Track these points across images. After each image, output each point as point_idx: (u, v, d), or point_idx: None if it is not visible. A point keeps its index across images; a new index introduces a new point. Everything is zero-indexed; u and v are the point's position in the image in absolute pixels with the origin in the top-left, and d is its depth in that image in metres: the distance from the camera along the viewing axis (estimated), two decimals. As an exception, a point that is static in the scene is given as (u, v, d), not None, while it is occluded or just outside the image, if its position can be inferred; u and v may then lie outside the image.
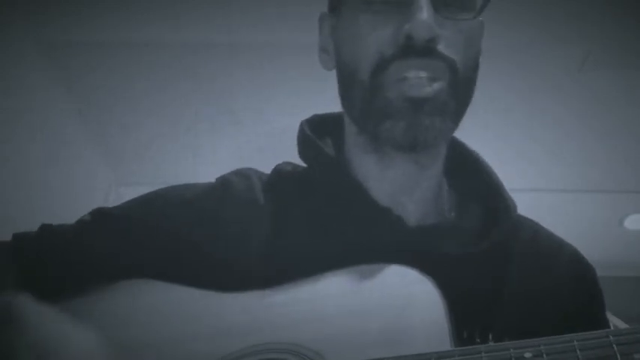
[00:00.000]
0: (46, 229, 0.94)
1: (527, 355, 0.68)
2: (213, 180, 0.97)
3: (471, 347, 0.71)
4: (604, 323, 0.92)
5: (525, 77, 2.63)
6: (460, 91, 0.86)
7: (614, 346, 0.66)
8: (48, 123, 2.68)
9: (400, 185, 0.89)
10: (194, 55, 2.54)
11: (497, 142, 2.90)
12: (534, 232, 0.96)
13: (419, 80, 0.84)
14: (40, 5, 2.30)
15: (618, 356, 0.65)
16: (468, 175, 0.96)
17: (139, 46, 2.49)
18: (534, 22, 2.35)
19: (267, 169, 0.99)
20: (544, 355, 0.67)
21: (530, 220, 0.97)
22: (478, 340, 0.81)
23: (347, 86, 0.90)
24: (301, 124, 0.96)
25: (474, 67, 0.89)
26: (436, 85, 0.84)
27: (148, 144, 3.01)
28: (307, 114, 0.99)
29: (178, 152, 3.02)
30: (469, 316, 0.81)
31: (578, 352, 0.67)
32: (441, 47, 0.84)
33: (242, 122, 2.78)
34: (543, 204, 3.31)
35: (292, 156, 0.96)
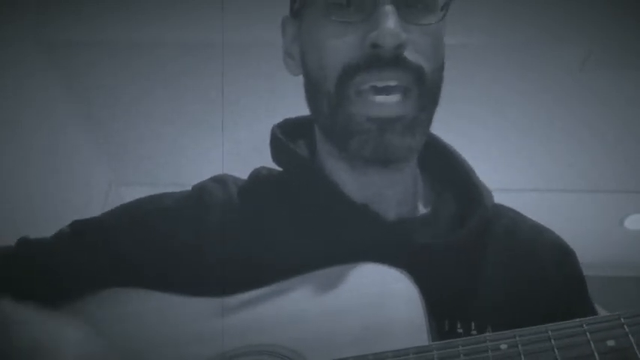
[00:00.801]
0: (23, 243, 0.93)
1: (503, 346, 0.69)
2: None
3: (448, 341, 0.72)
4: (587, 306, 0.93)
5: (526, 77, 2.63)
6: (428, 97, 0.85)
7: (587, 334, 0.67)
8: (48, 123, 2.68)
9: (374, 186, 0.89)
10: (194, 55, 2.54)
11: (497, 141, 2.90)
12: (513, 220, 0.96)
13: (386, 98, 0.82)
14: (40, 5, 2.30)
15: (592, 343, 0.66)
16: (443, 168, 0.96)
17: (139, 46, 2.49)
18: (535, 21, 2.35)
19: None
20: (519, 346, 0.68)
21: (509, 209, 0.98)
22: (460, 331, 0.82)
23: (313, 94, 0.89)
24: (273, 128, 0.95)
25: (440, 69, 0.88)
26: (403, 102, 0.83)
27: (148, 144, 3.01)
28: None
29: (178, 152, 3.02)
30: (449, 307, 0.81)
31: (552, 341, 0.68)
32: (408, 54, 0.83)
33: (242, 122, 2.78)
34: (543, 204, 3.31)
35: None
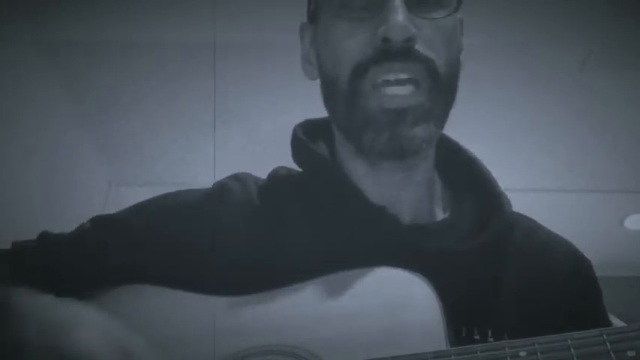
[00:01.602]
0: (44, 237, 0.93)
1: (522, 353, 0.68)
2: (212, 181, 0.97)
3: (466, 347, 0.72)
4: (602, 316, 0.93)
5: (526, 77, 2.63)
6: (442, 91, 0.86)
7: (607, 344, 0.67)
8: (48, 123, 2.68)
9: (392, 187, 0.90)
10: (194, 55, 2.54)
11: (497, 142, 2.90)
12: (529, 228, 0.96)
13: (398, 89, 0.83)
14: (40, 5, 2.30)
15: (612, 354, 0.66)
16: (462, 173, 0.96)
17: (138, 46, 2.49)
18: (535, 21, 2.35)
19: (268, 169, 0.99)
20: (538, 354, 0.68)
21: (525, 217, 0.98)
22: (477, 338, 0.81)
23: (329, 95, 0.90)
24: (294, 129, 0.96)
25: (455, 65, 0.90)
26: (416, 93, 0.84)
27: (148, 144, 3.01)
28: (311, 115, 0.99)
29: (178, 152, 3.02)
30: (466, 313, 0.81)
31: (572, 350, 0.67)
32: (419, 47, 0.84)
33: (242, 122, 2.78)
34: (543, 204, 3.30)
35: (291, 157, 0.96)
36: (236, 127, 2.80)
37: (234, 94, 2.68)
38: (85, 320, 0.75)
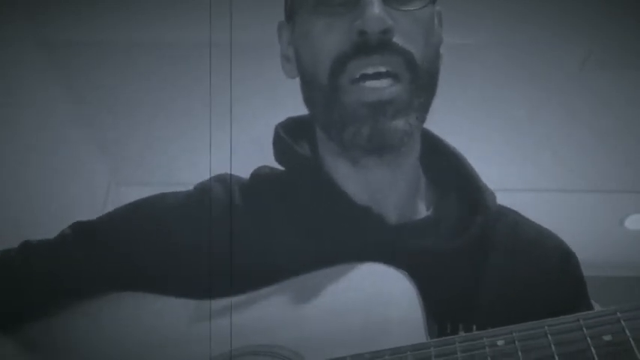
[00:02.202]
0: (27, 245, 0.93)
1: (500, 342, 0.69)
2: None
3: (445, 338, 0.72)
4: (588, 309, 0.92)
5: (526, 77, 2.63)
6: (422, 84, 0.86)
7: (584, 329, 0.67)
8: (48, 123, 2.68)
9: (376, 185, 0.89)
10: (194, 55, 2.54)
11: (497, 142, 2.90)
12: (516, 223, 0.96)
13: (377, 82, 0.83)
14: (40, 5, 2.30)
15: (588, 339, 0.66)
16: (445, 170, 0.96)
17: (139, 46, 2.49)
18: (535, 21, 2.35)
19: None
20: (516, 342, 0.68)
21: (512, 211, 0.97)
22: (462, 333, 0.81)
23: (308, 92, 0.90)
24: (276, 128, 0.96)
25: (435, 57, 0.89)
26: (396, 86, 0.83)
27: (148, 144, 3.01)
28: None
29: (178, 152, 3.02)
30: (451, 310, 0.82)
31: (549, 336, 0.68)
32: (397, 39, 0.84)
33: (242, 122, 2.78)
34: (543, 204, 3.31)
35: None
36: (235, 127, 2.80)
37: (234, 95, 2.68)
38: None
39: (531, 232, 0.95)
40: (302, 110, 0.96)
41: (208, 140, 3.06)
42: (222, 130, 2.88)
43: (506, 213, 0.96)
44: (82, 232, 0.93)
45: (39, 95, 2.61)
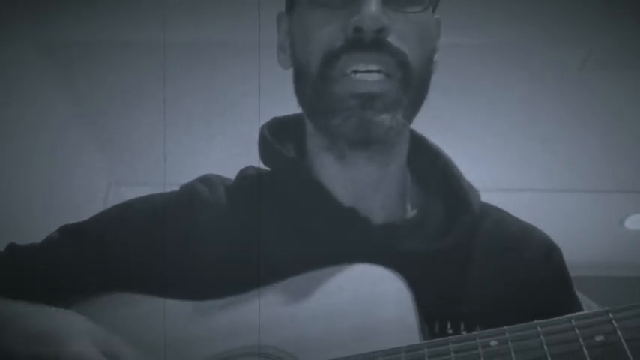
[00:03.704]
0: (13, 248, 0.93)
1: (493, 343, 0.69)
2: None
3: (438, 339, 0.72)
4: (574, 302, 0.93)
5: (526, 77, 2.63)
6: (412, 85, 0.86)
7: (576, 329, 0.68)
8: (48, 123, 2.68)
9: (363, 185, 0.90)
10: (194, 55, 2.54)
11: (497, 142, 2.90)
12: (499, 220, 0.96)
13: (368, 75, 0.84)
14: (40, 5, 2.30)
15: (580, 340, 0.67)
16: (429, 169, 0.96)
17: (138, 46, 2.49)
18: (535, 21, 2.35)
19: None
20: (509, 342, 0.69)
21: (495, 208, 0.98)
22: (450, 332, 0.82)
23: (299, 82, 0.90)
24: (261, 129, 0.96)
25: (428, 63, 0.89)
26: (386, 82, 0.84)
27: (148, 144, 3.01)
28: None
29: (178, 152, 3.02)
30: (439, 309, 0.82)
31: (542, 337, 0.68)
32: (392, 39, 0.84)
33: (242, 122, 2.78)
34: (543, 204, 3.31)
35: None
36: (235, 126, 2.80)
37: (234, 94, 2.68)
38: (74, 329, 0.76)
39: (514, 229, 0.96)
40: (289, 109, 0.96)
41: (208, 140, 3.05)
42: (223, 130, 2.86)
43: (489, 211, 0.96)
44: (70, 234, 0.93)
45: (39, 95, 2.61)
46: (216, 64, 2.58)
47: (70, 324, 0.77)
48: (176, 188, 0.98)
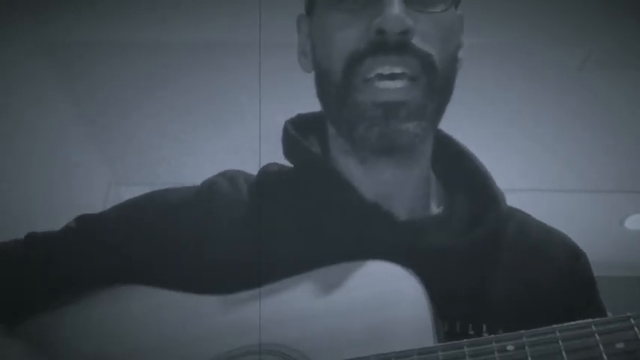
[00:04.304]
0: (32, 237, 0.93)
1: (510, 347, 0.67)
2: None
3: (453, 342, 0.70)
4: (599, 308, 0.92)
5: (525, 77, 2.62)
6: (438, 88, 0.85)
7: (596, 335, 0.65)
8: (48, 123, 2.68)
9: (386, 184, 0.88)
10: (194, 55, 2.54)
11: (497, 142, 2.90)
12: (523, 222, 0.95)
13: (391, 83, 0.82)
14: (40, 5, 2.30)
15: (601, 346, 0.65)
16: (455, 168, 0.95)
17: (139, 46, 2.49)
18: (534, 21, 2.35)
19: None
20: (526, 347, 0.67)
21: (519, 211, 0.97)
22: (472, 333, 0.81)
23: (322, 87, 0.89)
24: (285, 124, 0.95)
25: (453, 62, 0.88)
26: (410, 88, 0.82)
27: (148, 144, 3.01)
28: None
29: (178, 152, 3.02)
30: (461, 309, 0.81)
31: (560, 342, 0.66)
32: (416, 41, 0.83)
33: (242, 122, 2.78)
34: (543, 204, 3.30)
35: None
36: (237, 126, 2.80)
37: (234, 94, 2.68)
38: None
39: (540, 232, 0.95)
40: (312, 107, 0.96)
41: (209, 140, 3.04)
42: (223, 130, 2.86)
43: (515, 213, 0.95)
44: (87, 224, 0.92)
45: (39, 95, 2.61)
46: (216, 64, 2.58)
47: None
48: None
